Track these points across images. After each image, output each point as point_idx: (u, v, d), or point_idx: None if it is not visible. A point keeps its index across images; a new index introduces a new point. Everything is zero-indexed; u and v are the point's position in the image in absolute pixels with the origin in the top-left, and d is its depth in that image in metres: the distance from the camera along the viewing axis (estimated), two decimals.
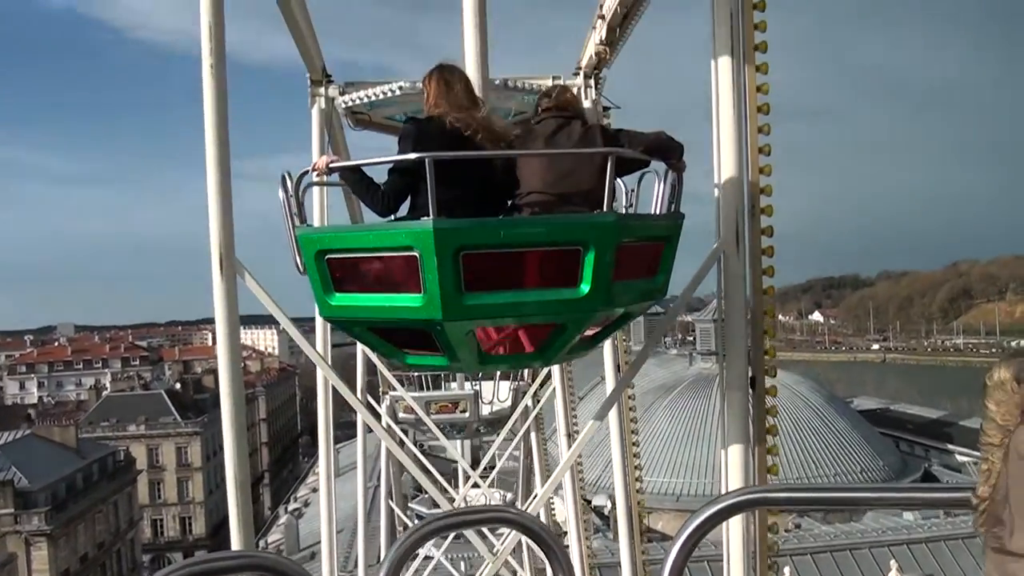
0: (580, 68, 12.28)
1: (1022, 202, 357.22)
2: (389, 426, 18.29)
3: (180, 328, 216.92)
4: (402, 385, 17.90)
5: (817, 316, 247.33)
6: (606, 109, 12.35)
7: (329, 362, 10.30)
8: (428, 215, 4.87)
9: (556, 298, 5.12)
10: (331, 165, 5.75)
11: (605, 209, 5.18)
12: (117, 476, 77.84)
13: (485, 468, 15.99)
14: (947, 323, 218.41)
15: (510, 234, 5.10)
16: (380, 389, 19.54)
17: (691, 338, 65.16)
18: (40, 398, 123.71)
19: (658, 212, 5.92)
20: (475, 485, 16.52)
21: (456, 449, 16.05)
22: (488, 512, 4.04)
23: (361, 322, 5.68)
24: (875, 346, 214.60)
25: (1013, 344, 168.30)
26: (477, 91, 6.26)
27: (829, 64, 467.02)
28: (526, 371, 18.94)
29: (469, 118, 5.56)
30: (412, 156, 5.07)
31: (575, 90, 11.74)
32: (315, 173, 5.90)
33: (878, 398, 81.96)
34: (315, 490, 51.29)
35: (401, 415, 18.84)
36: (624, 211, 6.05)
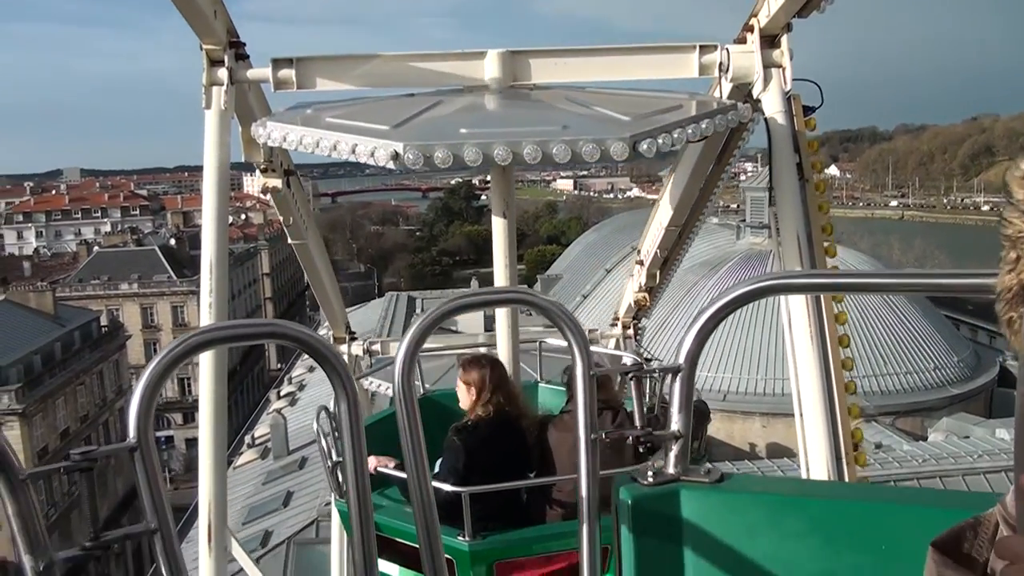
0: (618, 319, 12.20)
1: None
2: None
3: (187, 174, 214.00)
4: None
5: (834, 170, 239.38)
6: (647, 360, 11.88)
7: None
8: (465, 531, 5.49)
9: None
10: (379, 470, 5.87)
11: None
12: (101, 344, 73.48)
13: None
14: (967, 180, 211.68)
15: (541, 547, 5.74)
16: None
17: (735, 206, 58.88)
18: (37, 248, 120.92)
19: None
20: None
21: None
22: (506, 293, 4.70)
23: None
24: (893, 203, 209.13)
25: None
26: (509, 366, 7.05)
27: None
28: None
29: (510, 404, 6.15)
30: (449, 489, 5.44)
31: (611, 343, 12.06)
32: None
33: (925, 269, 76.55)
34: (312, 368, 46.32)
35: None
36: None
